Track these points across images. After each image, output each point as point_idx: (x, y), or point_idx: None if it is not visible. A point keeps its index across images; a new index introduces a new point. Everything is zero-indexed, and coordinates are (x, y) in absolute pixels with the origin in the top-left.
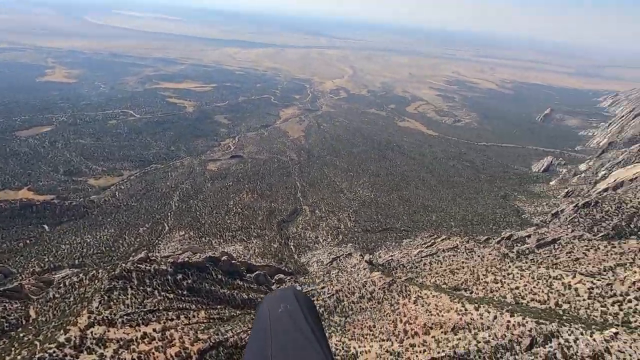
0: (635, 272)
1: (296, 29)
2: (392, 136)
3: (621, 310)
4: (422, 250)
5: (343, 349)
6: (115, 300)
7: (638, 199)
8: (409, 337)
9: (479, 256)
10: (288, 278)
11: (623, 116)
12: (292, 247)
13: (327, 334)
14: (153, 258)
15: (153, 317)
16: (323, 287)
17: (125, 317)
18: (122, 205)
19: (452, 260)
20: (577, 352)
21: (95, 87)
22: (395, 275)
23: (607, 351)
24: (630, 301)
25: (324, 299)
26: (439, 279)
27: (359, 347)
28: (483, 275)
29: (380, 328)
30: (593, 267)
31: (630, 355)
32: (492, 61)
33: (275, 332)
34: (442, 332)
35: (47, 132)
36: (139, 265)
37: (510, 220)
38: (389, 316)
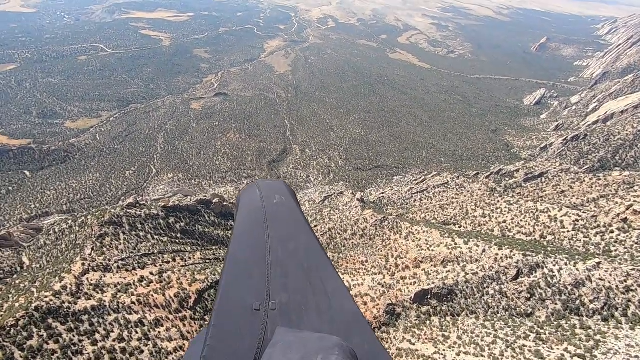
0: (618, 204)
1: None
2: (383, 69)
3: (603, 240)
4: (413, 187)
5: None
6: (108, 247)
7: (626, 131)
8: (400, 271)
9: (468, 191)
10: None
11: (620, 45)
12: None
13: None
14: (143, 202)
15: (149, 260)
16: (316, 226)
17: (120, 262)
18: (105, 149)
19: (442, 196)
20: (559, 280)
21: (58, 17)
22: (386, 212)
23: (589, 279)
24: (612, 232)
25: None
26: (429, 215)
27: (352, 280)
28: (472, 210)
29: (373, 263)
30: (577, 199)
31: (609, 282)
32: None
33: (272, 219)
34: (432, 266)
35: (12, 71)
36: (129, 210)
37: (500, 155)
38: (381, 251)
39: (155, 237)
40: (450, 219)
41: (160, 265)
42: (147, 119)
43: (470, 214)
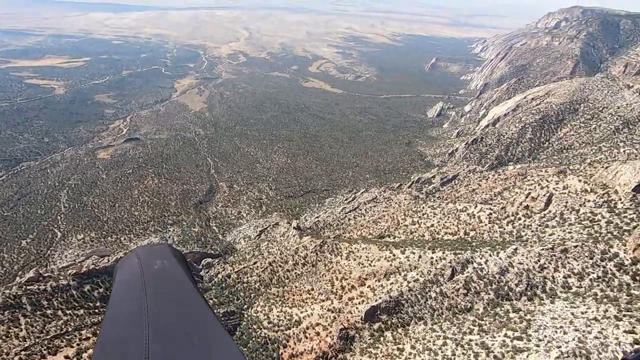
0: (518, 193)
1: None
2: (299, 98)
3: (514, 228)
4: (345, 207)
5: (285, 318)
6: (4, 337)
7: (511, 130)
8: (346, 292)
9: (396, 203)
10: (216, 261)
11: (492, 60)
12: (214, 227)
13: (266, 307)
14: (48, 274)
15: (62, 342)
16: (255, 262)
17: (22, 353)
18: None
19: (374, 211)
20: (488, 272)
21: None
22: (324, 235)
23: (511, 265)
24: (520, 219)
25: (258, 273)
26: (365, 231)
27: (301, 312)
28: (402, 219)
29: (319, 290)
30: (486, 195)
31: (527, 264)
32: (381, 15)
33: (151, 288)
34: (376, 281)
35: None
36: (29, 287)
37: (417, 164)
38: (325, 276)
39: (68, 312)
40: (385, 232)
41: (78, 345)
42: (43, 177)
43: (402, 223)
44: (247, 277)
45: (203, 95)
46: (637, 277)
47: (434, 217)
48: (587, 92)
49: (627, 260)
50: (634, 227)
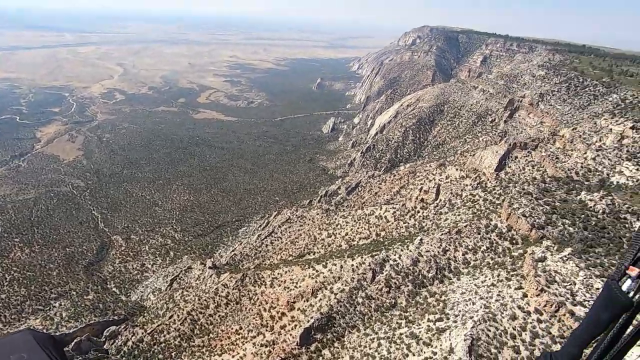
0: (412, 189)
1: (25, 25)
2: (192, 131)
3: (416, 221)
4: (260, 234)
5: None
6: None
7: (396, 135)
8: (277, 321)
9: (309, 219)
10: (122, 327)
11: (368, 75)
12: (114, 289)
13: None
14: None
15: None
16: (171, 316)
17: None
18: None
19: (290, 232)
20: (403, 265)
21: None
22: (244, 268)
23: (420, 255)
24: (419, 212)
25: (177, 327)
26: (284, 254)
27: (233, 357)
28: (318, 234)
29: (248, 326)
30: (387, 195)
31: (432, 251)
32: (263, 42)
33: None
34: (304, 301)
35: None
36: None
37: (322, 179)
38: (252, 310)
39: None
40: (304, 250)
41: None
42: None
43: (319, 238)
44: (164, 336)
45: (77, 142)
46: (513, 241)
47: (346, 225)
48: (447, 94)
49: (504, 228)
50: (503, 200)
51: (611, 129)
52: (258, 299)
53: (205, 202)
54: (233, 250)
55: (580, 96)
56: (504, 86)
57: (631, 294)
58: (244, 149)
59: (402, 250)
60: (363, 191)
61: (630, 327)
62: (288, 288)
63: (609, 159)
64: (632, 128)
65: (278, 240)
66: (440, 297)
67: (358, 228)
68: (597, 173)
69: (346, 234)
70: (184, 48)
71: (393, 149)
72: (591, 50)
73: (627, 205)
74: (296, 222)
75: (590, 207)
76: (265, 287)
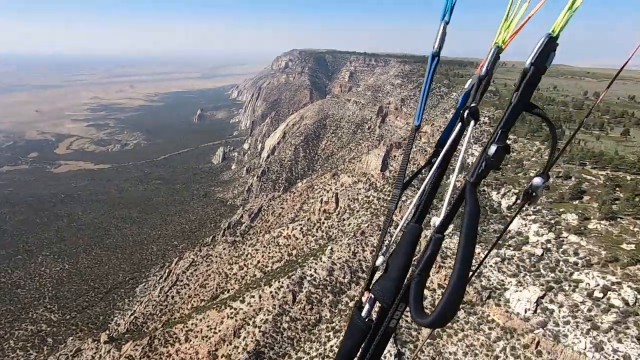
0: (314, 203)
1: None
2: (54, 188)
3: (323, 232)
4: (163, 286)
5: None
6: None
7: (287, 154)
8: None
9: (216, 256)
10: None
11: (250, 101)
12: None
13: None
14: None
15: None
16: None
17: None
18: None
19: (197, 275)
20: (320, 278)
21: None
22: (150, 330)
23: (334, 263)
24: (324, 223)
25: None
26: (195, 300)
27: None
28: (229, 269)
29: None
30: (291, 214)
31: (345, 258)
32: (128, 79)
33: None
34: (228, 345)
35: None
36: None
37: (222, 211)
38: None
39: None
40: (217, 290)
41: None
42: None
43: (230, 273)
44: None
45: None
46: None
47: (257, 253)
48: (326, 109)
49: (399, 219)
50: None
51: None
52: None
53: (85, 268)
54: (132, 314)
55: (431, 97)
56: (372, 96)
57: (368, 318)
58: (126, 196)
59: (316, 264)
60: (267, 215)
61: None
62: (206, 337)
63: (461, 145)
64: None
65: (185, 287)
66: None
67: (269, 253)
68: (456, 157)
69: (258, 262)
70: (27, 95)
71: (287, 168)
72: None
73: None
74: (202, 262)
75: (458, 186)
76: (180, 344)
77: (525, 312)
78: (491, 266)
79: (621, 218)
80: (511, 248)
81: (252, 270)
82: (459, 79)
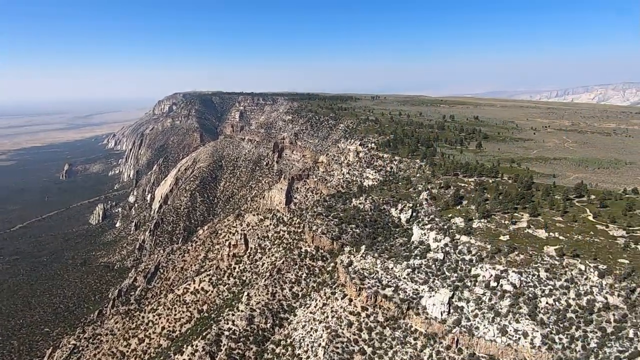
0: (220, 248)
1: None
2: None
3: (235, 278)
4: None
5: None
6: None
7: (184, 201)
8: None
9: (106, 334)
10: None
11: (131, 149)
12: None
13: None
14: None
15: None
16: None
17: None
18: None
19: None
20: (240, 329)
21: None
22: None
23: (253, 310)
24: (234, 268)
25: None
26: None
27: None
28: (126, 347)
29: None
30: (196, 265)
31: (264, 301)
32: None
33: None
34: None
35: None
36: None
37: (107, 278)
38: None
39: None
40: None
41: None
42: None
43: (127, 351)
44: None
45: None
46: (324, 258)
47: (160, 318)
48: (220, 150)
49: (313, 250)
50: (303, 227)
51: (349, 149)
52: None
53: None
54: None
55: (322, 129)
56: (266, 133)
57: None
58: None
59: (233, 315)
60: (166, 272)
61: None
62: None
63: (357, 170)
64: (360, 145)
65: None
66: (286, 341)
67: (175, 314)
68: (354, 182)
69: (163, 329)
70: None
71: (185, 216)
72: (314, 96)
73: (381, 199)
74: (88, 346)
75: (361, 208)
76: None
77: (441, 314)
78: (404, 278)
79: (494, 215)
80: (418, 257)
81: (157, 339)
82: (342, 112)
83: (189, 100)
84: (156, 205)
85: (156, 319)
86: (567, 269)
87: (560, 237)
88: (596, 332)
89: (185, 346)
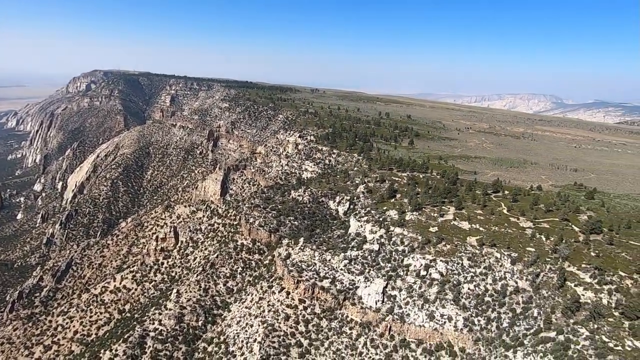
0: (146, 242)
1: None
2: None
3: (163, 274)
4: None
5: None
6: None
7: (103, 191)
8: None
9: (4, 343)
10: None
11: (38, 130)
12: None
13: None
14: None
15: None
16: None
17: None
18: None
19: None
20: (168, 328)
21: None
22: None
23: (183, 307)
24: (162, 263)
25: None
26: None
27: None
28: (28, 356)
29: None
30: (117, 260)
31: (195, 297)
32: None
33: None
34: None
35: None
36: None
37: (5, 279)
38: None
39: None
40: None
41: None
42: None
43: None
44: None
45: None
46: (261, 251)
47: (72, 321)
48: (148, 136)
49: (250, 243)
50: (239, 219)
51: (288, 140)
52: None
53: None
54: None
55: (260, 119)
56: (200, 120)
57: None
58: None
59: (160, 314)
60: (81, 269)
61: None
62: None
63: (296, 162)
64: (300, 137)
65: None
66: (219, 338)
67: (91, 316)
68: (293, 174)
69: (76, 332)
70: None
71: (105, 208)
72: (253, 85)
73: (320, 192)
74: None
75: (300, 201)
76: None
77: (376, 303)
78: (342, 269)
79: (425, 207)
80: (354, 249)
81: (67, 345)
82: (282, 102)
83: (111, 79)
84: (69, 195)
85: (67, 323)
86: (485, 257)
87: (481, 228)
88: (508, 313)
89: (102, 351)
